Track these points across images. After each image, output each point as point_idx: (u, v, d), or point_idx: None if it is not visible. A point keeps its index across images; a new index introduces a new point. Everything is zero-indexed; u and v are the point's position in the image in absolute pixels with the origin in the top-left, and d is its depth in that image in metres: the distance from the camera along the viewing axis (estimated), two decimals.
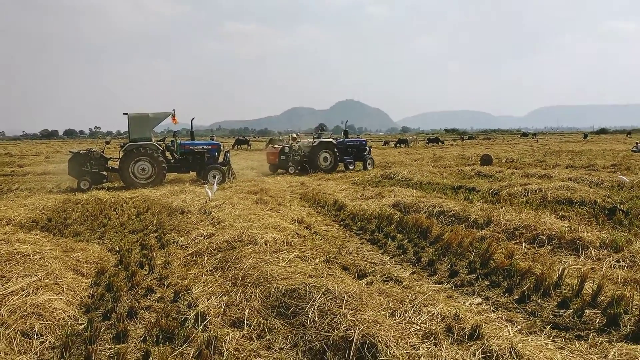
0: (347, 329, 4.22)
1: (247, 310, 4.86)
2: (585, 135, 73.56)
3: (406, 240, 8.20)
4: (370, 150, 24.63)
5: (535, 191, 11.89)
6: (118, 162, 17.23)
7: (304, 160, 22.15)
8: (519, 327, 4.71)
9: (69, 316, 5.05)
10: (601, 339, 4.38)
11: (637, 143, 33.42)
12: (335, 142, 22.73)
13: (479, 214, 9.27)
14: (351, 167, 23.03)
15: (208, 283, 5.88)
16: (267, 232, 7.72)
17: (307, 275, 5.50)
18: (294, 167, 21.95)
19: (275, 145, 24.69)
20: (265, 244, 7.09)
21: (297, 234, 8.21)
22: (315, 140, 22.79)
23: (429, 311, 4.68)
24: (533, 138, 78.14)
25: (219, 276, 6.12)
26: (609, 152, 31.30)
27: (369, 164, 23.25)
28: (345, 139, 24.01)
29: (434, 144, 54.64)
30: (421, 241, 8.09)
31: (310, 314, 4.55)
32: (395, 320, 4.54)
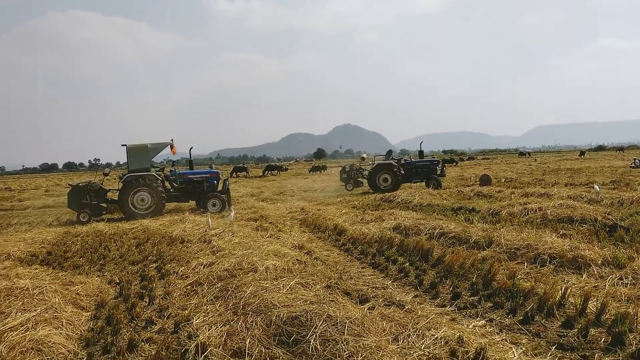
0: (349, 356, 4.18)
1: (248, 340, 4.80)
2: (582, 153, 73.53)
3: (407, 264, 8.15)
4: (443, 170, 24.32)
5: (535, 210, 11.87)
6: (117, 194, 17.23)
7: (365, 180, 23.45)
8: (523, 348, 4.66)
9: (68, 351, 4.99)
10: (607, 358, 4.34)
11: (634, 159, 33.49)
12: (395, 164, 23.17)
13: (479, 234, 9.25)
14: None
15: (208, 313, 5.83)
16: (267, 259, 7.69)
17: (309, 302, 5.45)
18: (351, 185, 23.97)
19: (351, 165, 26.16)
20: (266, 271, 7.05)
21: (298, 260, 8.17)
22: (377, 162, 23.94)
23: (432, 335, 4.64)
24: (528, 156, 78.35)
25: (219, 305, 6.07)
26: (608, 168, 31.36)
27: (432, 184, 22.62)
28: (414, 160, 24.37)
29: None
30: (422, 264, 8.05)
31: (312, 341, 4.50)
32: (398, 345, 4.50)
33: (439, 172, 23.65)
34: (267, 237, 10.62)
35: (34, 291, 6.29)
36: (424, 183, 23.28)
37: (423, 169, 23.61)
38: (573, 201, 12.66)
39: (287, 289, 6.03)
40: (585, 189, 16.55)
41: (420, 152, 25.27)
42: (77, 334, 5.51)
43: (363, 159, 25.48)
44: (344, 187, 25.81)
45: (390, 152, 25.53)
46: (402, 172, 23.31)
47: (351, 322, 4.75)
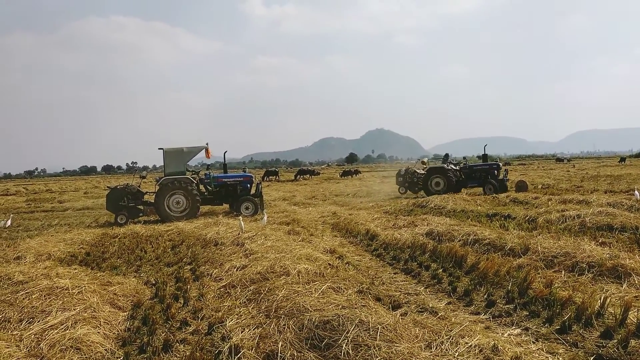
0: None
1: (280, 343, 4.83)
2: (622, 159, 71.03)
3: (440, 270, 8.07)
4: (506, 174, 23.38)
5: (574, 217, 11.58)
6: (154, 196, 17.57)
7: (420, 184, 23.15)
8: (560, 358, 4.57)
9: (106, 350, 5.12)
10: None
11: None
12: (449, 167, 22.60)
13: (515, 241, 9.08)
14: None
15: (241, 315, 5.89)
16: (299, 263, 7.72)
17: (340, 307, 5.45)
18: (404, 189, 23.90)
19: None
20: (298, 275, 7.08)
21: (330, 264, 8.17)
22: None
23: (466, 343, 4.57)
24: (567, 162, 76.33)
25: (252, 308, 6.13)
26: None
27: (489, 189, 21.75)
28: (472, 164, 23.85)
29: None
30: (456, 270, 7.94)
31: (344, 346, 4.50)
32: (431, 352, 4.45)
33: (501, 177, 22.52)
34: (299, 241, 10.65)
35: (74, 291, 6.47)
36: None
37: (482, 172, 22.67)
38: (613, 208, 12.29)
39: (319, 293, 6.04)
40: (626, 196, 16.05)
41: (484, 156, 24.25)
42: (114, 333, 5.65)
43: (424, 162, 24.86)
44: (376, 192, 25.73)
45: (447, 155, 24.85)
46: (461, 176, 22.69)
47: (383, 328, 4.73)
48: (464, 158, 26.50)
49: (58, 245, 11.06)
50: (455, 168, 23.02)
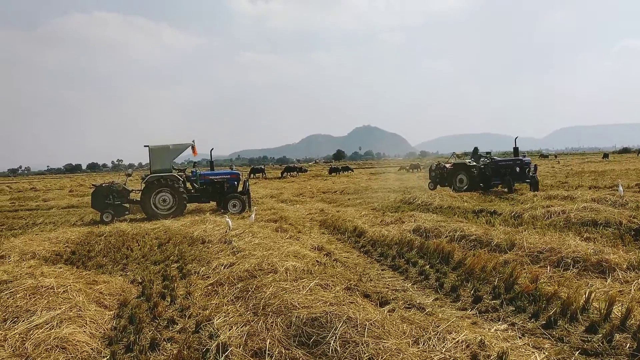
0: (369, 358, 4.17)
1: (268, 340, 4.82)
2: (606, 155, 71.85)
3: (428, 266, 8.11)
4: (535, 169, 21.45)
5: (559, 213, 11.71)
6: (140, 194, 17.43)
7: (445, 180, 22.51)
8: (546, 353, 4.60)
9: (92, 349, 5.06)
10: None
11: None
12: (472, 164, 21.67)
13: (501, 237, 9.15)
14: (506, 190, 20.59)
15: (229, 313, 5.86)
16: (287, 261, 7.70)
17: (328, 304, 5.45)
18: (433, 185, 23.13)
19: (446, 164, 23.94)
20: (286, 273, 7.07)
21: (317, 261, 8.18)
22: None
23: (453, 338, 4.60)
24: (554, 159, 77.03)
25: (239, 306, 6.10)
26: (633, 171, 30.76)
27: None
28: (497, 159, 22.04)
29: None
30: (443, 266, 7.99)
31: (332, 343, 4.50)
32: (418, 348, 4.47)
33: (531, 173, 20.77)
34: (287, 238, 10.64)
35: (59, 290, 6.39)
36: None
37: (508, 169, 20.72)
38: (597, 204, 12.44)
39: (307, 290, 6.04)
40: (610, 191, 16.26)
41: (515, 149, 22.30)
42: (100, 332, 5.59)
43: (458, 157, 23.65)
44: (362, 190, 25.83)
45: (476, 149, 23.19)
46: (488, 172, 21.16)
47: (371, 324, 4.74)
48: (488, 153, 23.68)
49: (43, 244, 10.92)
50: (485, 162, 21.59)
